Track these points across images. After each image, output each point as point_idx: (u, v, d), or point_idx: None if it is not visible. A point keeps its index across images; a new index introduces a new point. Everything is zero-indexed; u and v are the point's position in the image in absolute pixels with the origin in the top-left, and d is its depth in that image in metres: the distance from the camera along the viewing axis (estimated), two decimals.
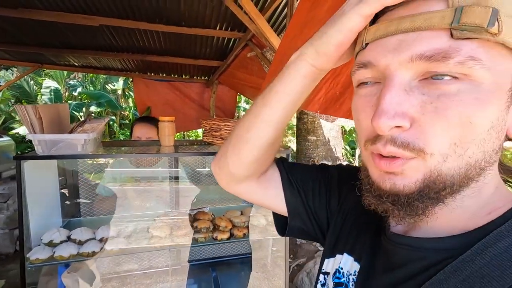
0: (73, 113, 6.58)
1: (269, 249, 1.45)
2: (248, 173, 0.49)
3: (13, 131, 6.49)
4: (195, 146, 1.35)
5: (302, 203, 0.49)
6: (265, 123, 0.43)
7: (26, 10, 2.72)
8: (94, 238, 1.07)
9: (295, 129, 4.82)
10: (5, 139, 4.16)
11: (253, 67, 4.08)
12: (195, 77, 5.94)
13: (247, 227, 1.23)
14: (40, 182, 1.12)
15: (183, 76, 5.82)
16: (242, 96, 8.99)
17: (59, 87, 7.73)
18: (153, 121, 1.68)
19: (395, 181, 0.29)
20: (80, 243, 1.04)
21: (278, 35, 2.30)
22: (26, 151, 8.47)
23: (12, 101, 8.46)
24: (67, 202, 1.30)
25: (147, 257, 1.24)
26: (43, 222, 1.12)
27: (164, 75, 5.79)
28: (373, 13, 0.30)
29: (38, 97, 8.61)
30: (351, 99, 1.31)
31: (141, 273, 1.31)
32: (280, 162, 0.53)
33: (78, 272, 1.30)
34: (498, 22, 0.24)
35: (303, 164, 0.54)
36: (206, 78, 5.97)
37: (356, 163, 4.59)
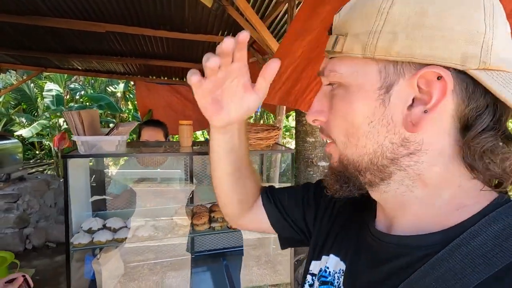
0: None
1: (272, 245, 1.61)
2: (237, 211, 0.59)
3: (16, 134, 6.58)
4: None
5: (283, 218, 0.57)
6: (218, 175, 0.55)
7: (35, 17, 2.85)
8: (125, 226, 1.23)
9: (294, 131, 4.99)
10: (13, 141, 4.26)
11: (252, 71, 4.24)
12: None
13: None
14: (76, 179, 1.28)
15: (184, 80, 5.96)
16: None
17: (61, 90, 7.82)
18: (159, 125, 1.82)
19: (330, 160, 0.41)
20: (114, 230, 1.20)
21: (278, 41, 2.47)
22: (27, 153, 8.46)
23: (13, 103, 8.53)
24: (95, 197, 1.46)
25: (171, 247, 1.40)
26: (78, 213, 1.28)
27: (166, 78, 5.92)
28: (200, 79, 0.38)
29: (38, 100, 8.69)
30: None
31: (162, 261, 1.47)
32: (264, 191, 0.61)
33: (106, 259, 1.46)
34: (339, 44, 0.34)
35: (288, 187, 0.63)
36: None
37: None
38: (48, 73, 8.94)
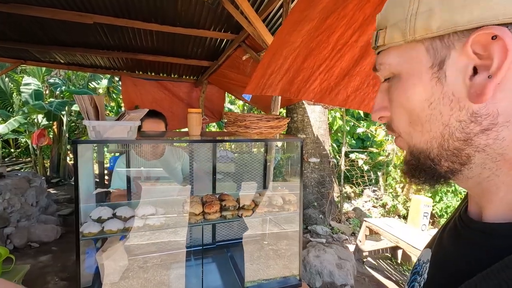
0: (56, 111, 6.38)
1: (284, 239, 1.63)
2: None
3: None
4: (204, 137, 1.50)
5: None
6: None
7: (18, 5, 2.70)
8: (135, 216, 1.19)
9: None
10: None
11: (246, 68, 4.22)
12: (184, 77, 5.99)
13: (267, 206, 1.40)
14: (82, 168, 1.23)
15: (172, 76, 5.85)
16: (227, 96, 9.10)
17: (40, 85, 7.44)
18: (160, 116, 1.78)
19: (403, 155, 0.40)
20: (125, 219, 1.16)
21: (273, 35, 2.48)
22: (1, 151, 7.97)
23: None
24: (97, 190, 1.41)
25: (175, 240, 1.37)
26: (83, 204, 1.22)
27: (153, 74, 5.78)
28: None
29: (14, 95, 8.23)
30: (346, 90, 1.55)
31: (171, 252, 1.45)
32: None
33: (109, 251, 1.41)
34: (381, 37, 0.37)
35: None
36: (195, 77, 6.03)
37: (342, 160, 4.88)
38: (25, 67, 8.48)
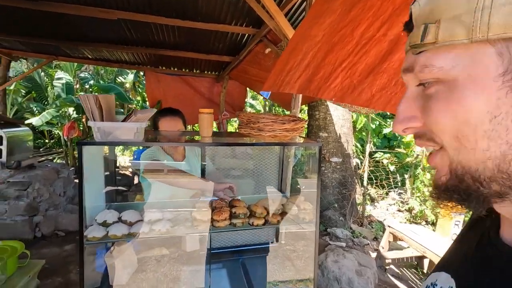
0: None
1: (301, 239, 1.53)
2: None
3: (27, 122, 6.61)
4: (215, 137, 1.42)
5: None
6: None
7: (45, 3, 2.77)
8: (142, 220, 1.15)
9: (306, 125, 4.88)
10: (23, 128, 4.26)
11: (267, 63, 4.11)
12: (205, 72, 6.00)
13: (281, 214, 1.30)
14: (90, 168, 1.20)
15: (194, 71, 5.88)
16: (249, 91, 9.03)
17: (71, 79, 7.82)
18: (177, 113, 1.72)
19: (436, 174, 0.34)
20: (130, 224, 1.12)
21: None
22: (37, 142, 8.55)
23: (23, 92, 8.57)
24: (109, 188, 1.39)
25: (184, 241, 1.32)
26: (90, 205, 1.21)
27: (176, 69, 5.85)
28: None
29: (49, 89, 8.71)
30: (370, 89, 1.38)
31: (179, 257, 1.40)
32: None
33: (119, 253, 1.39)
34: (431, 33, 0.29)
35: None
36: (216, 73, 6.03)
37: (366, 160, 4.64)
38: (59, 62, 8.95)
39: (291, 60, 1.92)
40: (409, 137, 4.77)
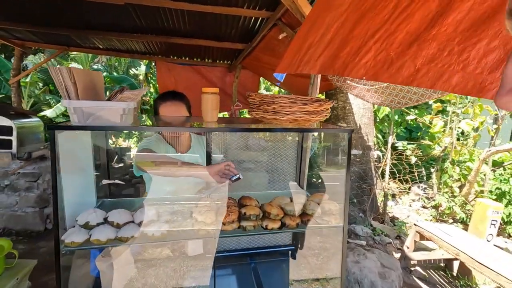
0: None
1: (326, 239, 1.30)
2: None
3: (41, 113, 6.67)
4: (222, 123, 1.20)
5: None
6: None
7: None
8: (132, 222, 0.96)
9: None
10: (34, 119, 4.21)
11: (281, 49, 3.83)
12: (217, 61, 5.80)
13: (301, 216, 1.07)
14: (74, 158, 1.02)
15: (206, 60, 5.69)
16: (262, 82, 8.74)
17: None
18: (180, 97, 1.50)
19: None
20: (118, 226, 0.93)
21: None
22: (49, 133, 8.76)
23: (41, 84, 8.69)
24: (103, 182, 1.20)
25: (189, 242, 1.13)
26: (77, 201, 1.03)
27: (187, 58, 5.68)
28: None
29: None
30: (414, 62, 1.07)
31: (181, 259, 1.21)
32: None
33: (113, 256, 1.21)
34: None
35: None
36: (228, 62, 5.82)
37: (388, 153, 4.31)
38: (74, 55, 9.00)
39: (311, 36, 1.65)
40: (437, 128, 4.38)
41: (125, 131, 8.77)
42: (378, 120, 5.06)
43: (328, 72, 1.66)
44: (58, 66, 0.79)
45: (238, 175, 1.08)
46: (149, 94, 10.22)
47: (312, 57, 1.70)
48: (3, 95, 7.46)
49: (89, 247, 0.88)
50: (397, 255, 3.54)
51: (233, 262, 1.46)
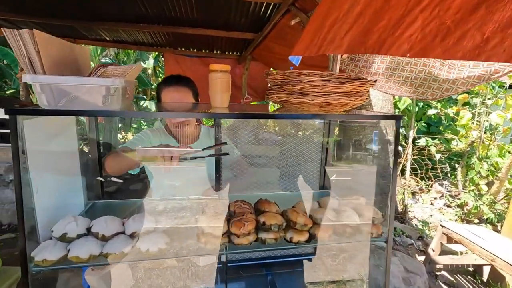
0: None
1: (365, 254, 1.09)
2: None
3: None
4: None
5: None
6: None
7: None
8: (123, 232, 0.76)
9: None
10: None
11: (293, 37, 3.57)
12: (226, 53, 5.60)
13: (332, 226, 0.85)
14: (54, 149, 0.82)
15: (215, 52, 5.49)
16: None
17: (92, 65, 7.74)
18: (185, 82, 1.29)
19: None
20: (104, 238, 0.73)
21: None
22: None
23: None
24: (99, 179, 1.01)
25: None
26: (58, 204, 0.84)
27: (195, 50, 5.50)
28: None
29: None
30: (481, 30, 0.78)
31: (187, 271, 1.02)
32: None
33: (105, 268, 1.02)
34: None
35: None
36: (238, 53, 5.61)
37: (409, 148, 4.01)
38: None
39: (335, 11, 1.40)
40: (464, 120, 4.03)
41: (134, 125, 8.68)
42: (398, 113, 4.74)
43: (357, 51, 1.40)
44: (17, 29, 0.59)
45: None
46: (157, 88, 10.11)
47: (337, 35, 1.45)
48: (14, 90, 7.46)
49: (66, 267, 0.69)
50: (421, 258, 3.28)
51: (247, 273, 1.25)
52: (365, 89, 0.81)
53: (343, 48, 1.47)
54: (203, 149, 0.95)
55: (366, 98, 0.84)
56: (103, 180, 1.08)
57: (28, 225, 0.68)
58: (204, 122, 1.70)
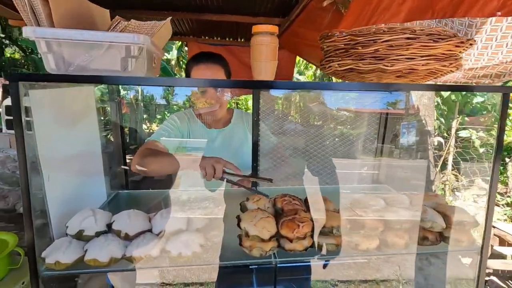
0: None
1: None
2: None
3: None
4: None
5: None
6: None
7: None
8: (149, 231, 0.63)
9: None
10: None
11: (324, 20, 3.30)
12: (251, 40, 5.41)
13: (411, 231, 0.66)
14: (66, 129, 0.70)
15: (239, 40, 5.33)
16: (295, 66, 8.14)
17: None
18: (217, 59, 1.15)
19: None
20: (128, 237, 0.59)
21: None
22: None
23: None
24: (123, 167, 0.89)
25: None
26: (76, 195, 0.72)
27: (219, 38, 5.36)
28: None
29: None
30: None
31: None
32: None
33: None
34: None
35: None
36: None
37: (452, 139, 3.64)
38: None
39: None
40: None
41: (158, 116, 8.78)
42: (441, 101, 4.32)
43: (421, 17, 1.17)
44: None
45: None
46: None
47: (393, 3, 1.23)
48: None
49: (82, 271, 0.56)
50: (466, 261, 2.97)
51: (286, 274, 1.09)
52: (460, 52, 0.61)
53: (402, 15, 1.24)
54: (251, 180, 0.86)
55: (460, 65, 0.63)
56: (127, 168, 0.96)
57: (38, 218, 0.55)
58: (238, 107, 1.55)
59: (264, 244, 0.59)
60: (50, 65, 0.50)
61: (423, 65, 0.58)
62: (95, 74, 0.51)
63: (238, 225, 0.64)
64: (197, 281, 0.91)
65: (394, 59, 0.59)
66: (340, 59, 0.65)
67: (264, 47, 0.69)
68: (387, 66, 0.59)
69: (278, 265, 0.60)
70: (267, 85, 0.69)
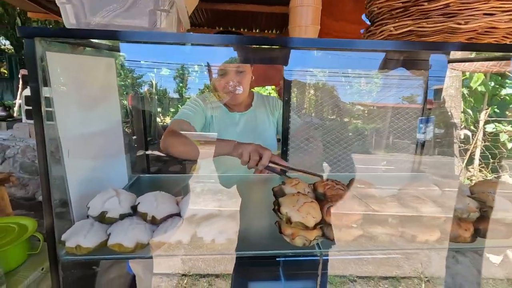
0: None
1: None
2: None
3: None
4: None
5: None
6: None
7: None
8: (177, 214, 0.56)
9: None
10: None
11: (344, 7, 3.16)
12: (266, 31, 5.29)
13: (472, 222, 0.57)
14: (86, 101, 0.64)
15: (253, 30, 5.23)
16: None
17: None
18: None
19: None
20: (154, 221, 0.53)
21: None
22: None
23: None
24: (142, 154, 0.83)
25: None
26: (97, 175, 0.66)
27: (233, 29, 5.28)
28: None
29: None
30: None
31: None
32: None
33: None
34: None
35: None
36: (278, 31, 5.27)
37: (480, 133, 3.43)
38: None
39: None
40: None
41: (171, 109, 8.81)
42: (468, 92, 4.08)
43: None
44: None
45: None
46: (193, 74, 10.09)
47: None
48: None
49: (105, 257, 0.50)
50: (495, 259, 2.81)
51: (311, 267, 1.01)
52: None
53: None
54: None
55: None
56: (150, 152, 0.90)
57: (58, 198, 0.50)
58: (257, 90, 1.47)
59: (308, 233, 0.51)
60: (69, 19, 0.43)
61: (505, 21, 0.48)
62: (119, 29, 0.44)
63: (276, 210, 0.57)
64: (224, 272, 0.85)
65: (469, 16, 0.49)
66: (396, 19, 0.56)
67: (304, 9, 0.61)
68: (460, 24, 0.49)
69: (324, 257, 0.52)
70: (304, 42, 0.59)
